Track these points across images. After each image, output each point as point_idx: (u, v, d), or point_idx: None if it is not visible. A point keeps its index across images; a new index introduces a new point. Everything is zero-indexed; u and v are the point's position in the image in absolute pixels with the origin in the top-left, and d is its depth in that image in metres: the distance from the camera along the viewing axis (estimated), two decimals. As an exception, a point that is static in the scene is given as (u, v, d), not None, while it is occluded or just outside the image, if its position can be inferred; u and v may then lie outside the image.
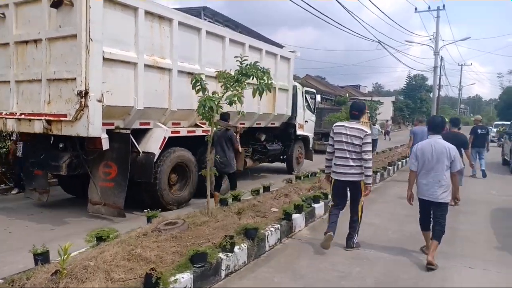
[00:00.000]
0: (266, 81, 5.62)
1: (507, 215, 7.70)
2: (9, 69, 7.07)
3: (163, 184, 7.53)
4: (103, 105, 6.31)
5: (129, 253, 4.07)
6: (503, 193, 10.10)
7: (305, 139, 13.58)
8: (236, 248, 4.61)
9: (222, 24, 19.63)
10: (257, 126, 11.21)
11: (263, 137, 11.80)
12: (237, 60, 5.73)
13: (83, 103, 6.06)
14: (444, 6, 30.68)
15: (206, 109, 5.37)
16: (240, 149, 9.59)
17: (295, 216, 6.18)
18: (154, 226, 4.93)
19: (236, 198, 6.93)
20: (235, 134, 7.80)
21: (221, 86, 5.72)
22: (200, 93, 5.60)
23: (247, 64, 5.67)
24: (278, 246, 5.56)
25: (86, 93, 6.06)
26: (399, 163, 14.15)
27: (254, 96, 5.61)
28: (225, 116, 7.66)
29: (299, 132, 12.95)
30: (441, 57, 35.33)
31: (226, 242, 4.49)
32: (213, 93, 5.65)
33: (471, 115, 70.69)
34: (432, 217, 5.20)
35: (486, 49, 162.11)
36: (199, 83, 5.57)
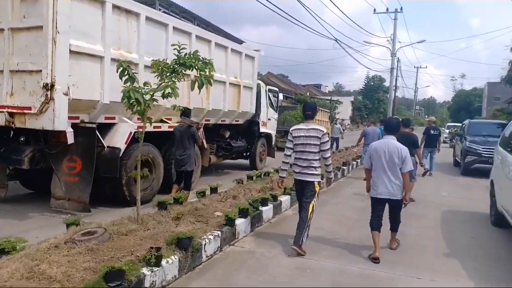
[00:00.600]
0: (207, 73, 5.14)
1: (456, 218, 7.81)
2: (-32, 59, 6.84)
3: (128, 179, 7.51)
4: (69, 99, 6.24)
5: (31, 269, 3.49)
6: (453, 194, 10.33)
7: (268, 136, 13.83)
8: (163, 262, 4.04)
9: (179, 15, 19.26)
10: (221, 123, 11.33)
11: (227, 134, 11.91)
12: (174, 49, 5.20)
13: (48, 96, 5.99)
14: (401, 8, 31.29)
15: (132, 102, 4.74)
16: (206, 145, 9.73)
17: (239, 221, 5.76)
18: (69, 236, 4.34)
19: (177, 201, 6.40)
20: (197, 130, 7.69)
21: (155, 77, 5.11)
22: (129, 84, 4.87)
23: (186, 53, 5.14)
24: (217, 255, 5.12)
25: (52, 85, 5.98)
26: (354, 162, 14.33)
27: (192, 88, 5.15)
28: (186, 112, 7.54)
29: (262, 129, 13.19)
30: (398, 58, 36.45)
31: (151, 255, 3.88)
32: (145, 83, 5.04)
33: (426, 116, 73.52)
34: (389, 213, 5.54)
35: (441, 53, 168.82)
36: (126, 72, 4.85)
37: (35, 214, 6.94)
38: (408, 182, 5.45)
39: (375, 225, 5.41)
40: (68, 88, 6.23)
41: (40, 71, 6.05)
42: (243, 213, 5.95)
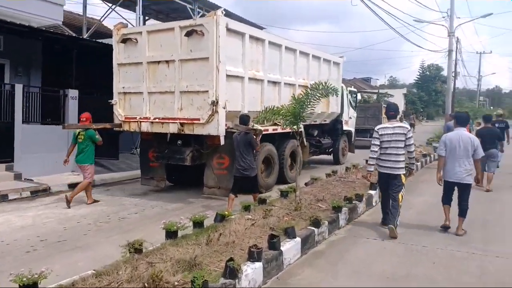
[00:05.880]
0: None
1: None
2: (142, 83, 8.94)
3: (258, 171, 9.35)
4: (226, 111, 8.16)
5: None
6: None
7: (349, 133, 15.50)
8: None
9: (202, 9, 18.58)
10: (313, 124, 13.02)
11: (315, 133, 13.61)
12: None
13: (214, 110, 7.94)
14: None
15: None
16: (305, 143, 11.53)
17: None
18: None
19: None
20: (254, 137, 7.76)
21: None
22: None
23: None
24: None
25: (217, 102, 7.92)
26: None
27: None
28: (244, 119, 7.86)
29: (345, 127, 14.83)
30: (457, 38, 32.28)
31: None
32: None
33: (491, 108, 69.39)
34: (458, 197, 6.34)
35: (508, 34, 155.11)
36: None
37: (193, 199, 9.00)
38: (480, 167, 6.53)
39: (446, 200, 6.45)
40: (225, 103, 8.14)
41: (207, 91, 7.99)
42: None
